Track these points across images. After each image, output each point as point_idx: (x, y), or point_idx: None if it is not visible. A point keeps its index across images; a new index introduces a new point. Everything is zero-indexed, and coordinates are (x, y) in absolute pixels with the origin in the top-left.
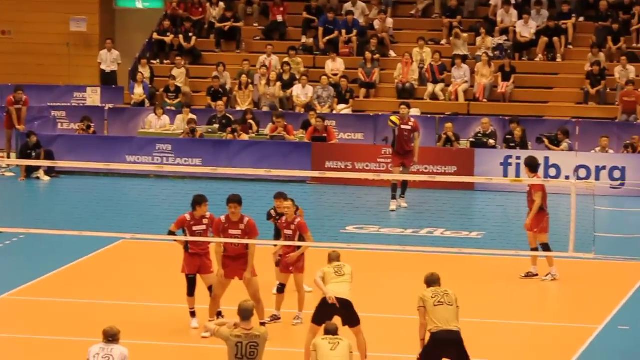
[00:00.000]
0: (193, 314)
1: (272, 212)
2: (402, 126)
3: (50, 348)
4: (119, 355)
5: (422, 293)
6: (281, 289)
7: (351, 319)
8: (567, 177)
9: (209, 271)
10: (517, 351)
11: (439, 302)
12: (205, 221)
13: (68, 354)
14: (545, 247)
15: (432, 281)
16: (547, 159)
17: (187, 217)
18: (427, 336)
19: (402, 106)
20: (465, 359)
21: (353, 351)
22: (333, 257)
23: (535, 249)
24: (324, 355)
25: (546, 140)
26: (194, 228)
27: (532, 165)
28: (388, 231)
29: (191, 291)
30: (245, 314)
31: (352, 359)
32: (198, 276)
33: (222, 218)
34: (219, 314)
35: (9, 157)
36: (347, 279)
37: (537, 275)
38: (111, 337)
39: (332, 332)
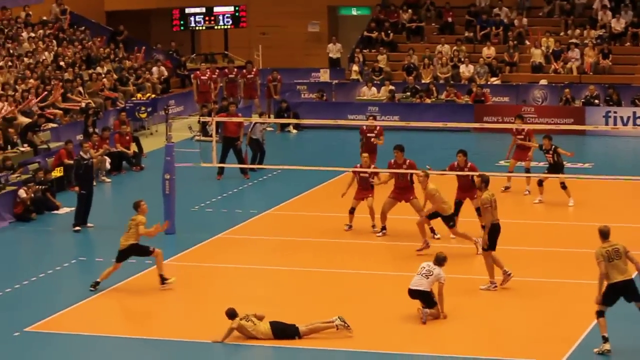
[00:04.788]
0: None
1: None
2: (368, 134)
3: (302, 246)
4: (436, 275)
5: (598, 250)
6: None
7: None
8: None
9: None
10: None
11: (610, 259)
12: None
13: (316, 250)
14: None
15: (604, 234)
16: (634, 113)
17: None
18: (604, 285)
19: (370, 118)
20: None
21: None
22: None
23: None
24: None
25: (637, 101)
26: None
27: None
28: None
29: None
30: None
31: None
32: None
33: (392, 161)
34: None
35: (269, 117)
36: None
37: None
38: (442, 260)
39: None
